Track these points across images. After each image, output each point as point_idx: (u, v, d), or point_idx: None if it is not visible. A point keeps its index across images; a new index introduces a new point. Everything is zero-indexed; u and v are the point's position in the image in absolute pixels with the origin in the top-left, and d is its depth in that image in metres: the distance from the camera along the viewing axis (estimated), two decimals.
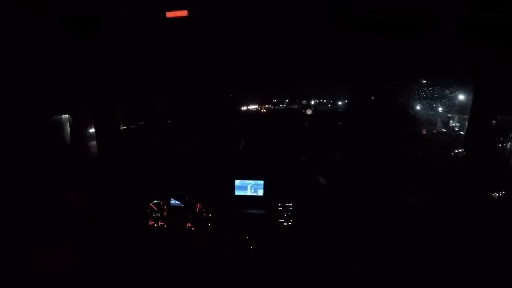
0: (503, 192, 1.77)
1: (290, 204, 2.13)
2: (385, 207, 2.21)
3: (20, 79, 1.39)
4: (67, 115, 1.76)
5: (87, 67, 1.74)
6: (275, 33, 1.77)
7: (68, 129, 1.78)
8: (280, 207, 2.13)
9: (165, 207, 2.20)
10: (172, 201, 2.20)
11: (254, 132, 12.57)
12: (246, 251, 2.08)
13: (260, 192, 2.20)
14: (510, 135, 1.80)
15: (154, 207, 2.20)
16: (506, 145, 1.80)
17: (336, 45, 1.95)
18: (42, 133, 1.62)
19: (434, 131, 7.45)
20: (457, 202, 1.85)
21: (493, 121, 1.65)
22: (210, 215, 2.16)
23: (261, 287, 1.94)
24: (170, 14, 1.45)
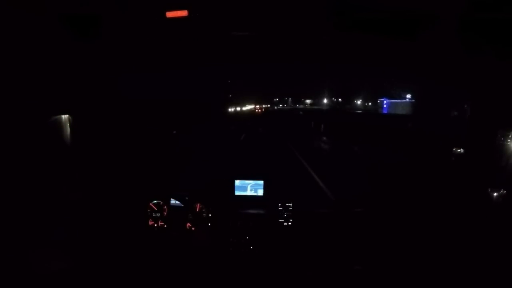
0: (504, 191, 1.78)
1: (290, 204, 2.13)
2: (385, 207, 2.21)
3: (20, 79, 1.39)
4: (67, 115, 1.76)
5: (87, 67, 1.74)
6: (275, 32, 1.77)
7: (68, 129, 1.78)
8: (280, 207, 2.13)
9: (165, 207, 2.19)
10: (172, 201, 2.20)
11: None
12: (246, 251, 2.08)
13: (260, 192, 2.20)
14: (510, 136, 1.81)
15: (154, 207, 2.20)
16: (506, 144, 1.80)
17: (336, 45, 1.95)
18: (42, 133, 1.61)
19: None
20: (457, 201, 1.85)
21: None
22: (210, 215, 2.16)
23: (261, 287, 1.94)
24: (170, 14, 1.45)
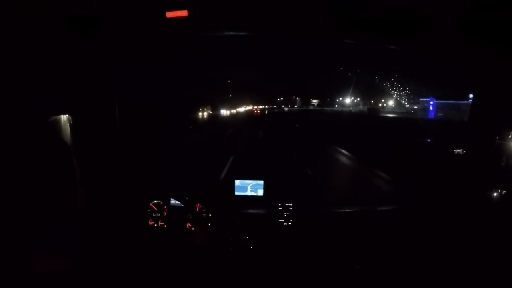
0: (504, 191, 1.78)
1: (290, 204, 2.13)
2: (385, 208, 2.21)
3: (20, 79, 1.39)
4: (67, 115, 1.76)
5: (87, 67, 1.74)
6: (276, 32, 1.77)
7: (68, 129, 1.78)
8: (280, 207, 2.13)
9: (165, 207, 2.19)
10: (172, 201, 2.20)
11: None
12: (246, 251, 2.08)
13: (260, 192, 2.20)
14: (510, 136, 1.80)
15: (154, 207, 2.20)
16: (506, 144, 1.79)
17: (336, 45, 1.95)
18: (42, 133, 1.61)
19: None
20: (456, 201, 1.85)
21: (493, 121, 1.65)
22: (210, 215, 2.16)
23: (261, 287, 1.94)
24: (170, 14, 1.45)
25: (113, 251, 1.94)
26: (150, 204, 2.20)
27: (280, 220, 2.12)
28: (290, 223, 2.12)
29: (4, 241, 1.29)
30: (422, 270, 1.84)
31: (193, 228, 2.16)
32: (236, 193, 2.21)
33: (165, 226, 2.18)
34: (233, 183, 2.21)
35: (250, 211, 2.17)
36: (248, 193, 2.20)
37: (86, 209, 1.88)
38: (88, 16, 1.46)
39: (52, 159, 1.69)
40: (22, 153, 1.45)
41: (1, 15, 1.20)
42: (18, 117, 1.40)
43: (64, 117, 1.76)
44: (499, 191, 1.78)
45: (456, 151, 1.94)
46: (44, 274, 1.34)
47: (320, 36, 1.80)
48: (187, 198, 2.21)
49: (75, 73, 1.70)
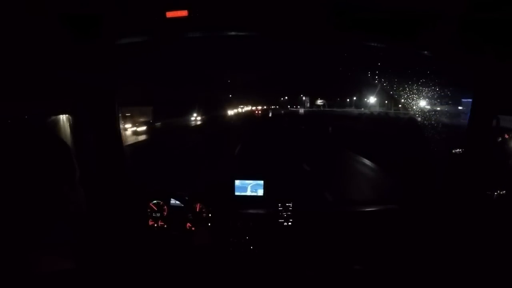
0: (503, 191, 1.78)
1: (290, 204, 2.13)
2: (385, 208, 2.22)
3: (20, 79, 1.39)
4: (67, 115, 1.76)
5: (87, 67, 1.74)
6: (276, 32, 1.77)
7: (68, 129, 1.78)
8: (280, 207, 2.13)
9: (165, 207, 2.19)
10: (172, 201, 2.20)
11: None
12: (246, 251, 2.08)
13: (260, 192, 2.20)
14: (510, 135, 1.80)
15: (154, 207, 2.20)
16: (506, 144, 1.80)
17: (336, 45, 1.95)
18: (42, 133, 1.61)
19: None
20: (456, 201, 1.85)
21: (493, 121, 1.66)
22: (210, 215, 2.16)
23: (261, 287, 1.94)
24: (170, 14, 1.45)
25: (113, 251, 1.94)
26: (150, 204, 2.20)
27: (280, 220, 2.12)
28: (290, 223, 2.12)
29: (4, 241, 1.29)
30: (422, 270, 1.84)
31: (193, 228, 2.16)
32: (236, 193, 2.21)
33: (165, 226, 2.18)
34: (233, 183, 2.21)
35: (250, 211, 2.17)
36: (248, 193, 2.20)
37: (87, 209, 1.88)
38: (88, 16, 1.46)
39: (52, 158, 1.69)
40: (22, 153, 1.45)
41: (1, 15, 1.20)
42: (18, 117, 1.40)
43: (64, 117, 1.76)
44: (499, 191, 1.78)
45: (454, 150, 1.94)
46: (44, 274, 1.34)
47: (320, 36, 1.80)
48: (187, 198, 2.21)
49: (75, 73, 1.70)
